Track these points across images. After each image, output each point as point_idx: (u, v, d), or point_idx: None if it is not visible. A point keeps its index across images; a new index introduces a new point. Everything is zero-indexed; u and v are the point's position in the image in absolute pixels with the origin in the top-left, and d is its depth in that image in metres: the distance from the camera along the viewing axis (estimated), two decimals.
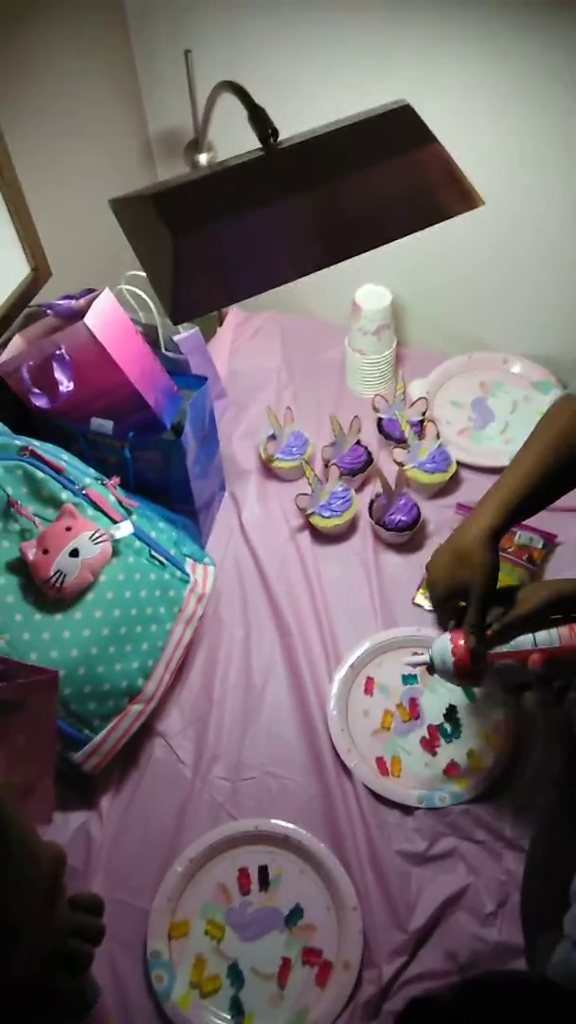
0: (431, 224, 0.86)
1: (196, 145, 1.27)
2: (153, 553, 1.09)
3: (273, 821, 1.05)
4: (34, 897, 0.59)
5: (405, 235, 0.86)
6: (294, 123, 0.91)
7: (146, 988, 0.96)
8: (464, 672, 0.91)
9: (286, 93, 1.10)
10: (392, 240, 0.86)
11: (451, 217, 0.87)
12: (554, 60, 1.11)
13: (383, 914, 0.98)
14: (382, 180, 0.84)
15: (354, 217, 0.84)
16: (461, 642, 0.90)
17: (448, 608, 0.96)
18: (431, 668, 0.94)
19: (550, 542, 1.28)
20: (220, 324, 1.60)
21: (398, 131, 0.86)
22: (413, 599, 1.25)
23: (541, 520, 1.28)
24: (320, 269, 0.84)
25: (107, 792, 1.09)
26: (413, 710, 1.14)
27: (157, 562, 1.09)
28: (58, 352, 1.04)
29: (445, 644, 0.92)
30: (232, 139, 1.09)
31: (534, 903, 0.90)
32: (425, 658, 0.94)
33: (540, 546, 1.27)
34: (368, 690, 1.16)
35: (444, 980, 0.93)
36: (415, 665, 0.97)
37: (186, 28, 1.24)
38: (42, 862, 0.60)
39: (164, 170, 1.46)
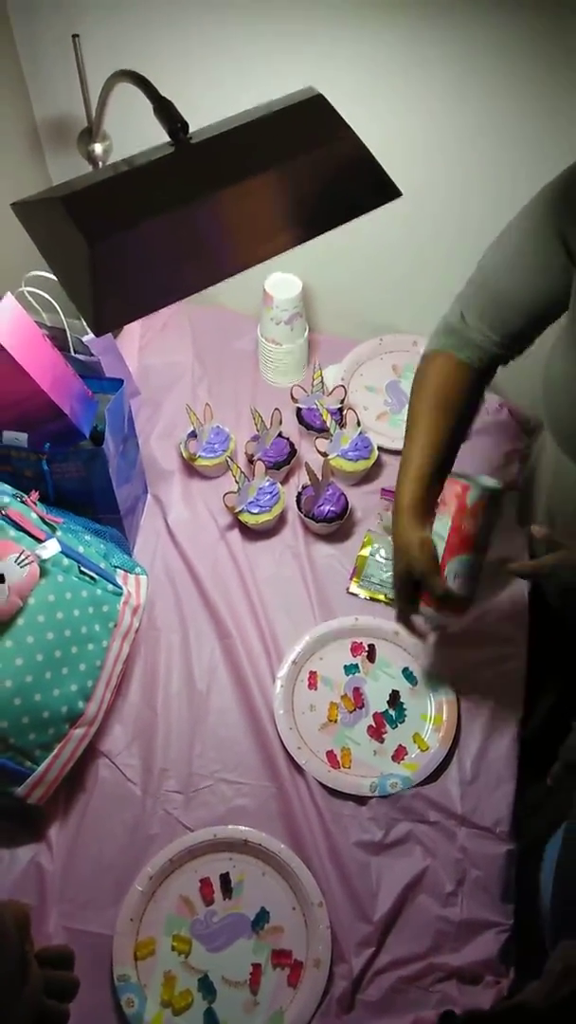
0: (353, 218, 0.85)
1: (90, 134, 1.20)
2: (83, 569, 1.05)
3: (231, 827, 1.04)
4: (6, 974, 0.55)
5: (327, 230, 0.84)
6: (193, 111, 0.87)
7: (117, 1016, 0.94)
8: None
9: (183, 80, 1.05)
10: (315, 236, 0.84)
11: (372, 209, 0.85)
12: (458, 50, 1.11)
13: (347, 907, 0.99)
14: (300, 175, 0.81)
15: (275, 213, 0.81)
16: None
17: (407, 593, 0.99)
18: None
19: None
20: None
21: (311, 122, 0.83)
22: (348, 588, 1.25)
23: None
24: (243, 270, 0.81)
25: (54, 821, 1.05)
26: (358, 700, 1.15)
27: (87, 578, 1.05)
28: None
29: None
30: (128, 127, 1.04)
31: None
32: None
33: None
34: (312, 685, 1.16)
35: (414, 967, 0.95)
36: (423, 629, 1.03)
37: (72, 10, 1.16)
38: (8, 934, 0.57)
39: (55, 160, 1.38)
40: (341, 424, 1.35)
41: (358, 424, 1.35)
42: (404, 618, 1.01)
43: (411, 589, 0.97)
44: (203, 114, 0.86)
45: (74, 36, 1.10)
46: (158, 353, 1.50)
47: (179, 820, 1.05)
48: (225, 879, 1.02)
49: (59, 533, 1.03)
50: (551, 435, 1.03)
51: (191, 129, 0.82)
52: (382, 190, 0.86)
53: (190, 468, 1.36)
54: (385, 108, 1.20)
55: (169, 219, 0.76)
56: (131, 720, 1.13)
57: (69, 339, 1.17)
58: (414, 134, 1.23)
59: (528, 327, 0.97)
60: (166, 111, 0.81)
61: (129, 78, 0.87)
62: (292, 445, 1.36)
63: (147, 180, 0.77)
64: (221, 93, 1.05)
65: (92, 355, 1.19)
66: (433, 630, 1.08)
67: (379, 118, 1.19)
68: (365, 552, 1.28)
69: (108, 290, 0.73)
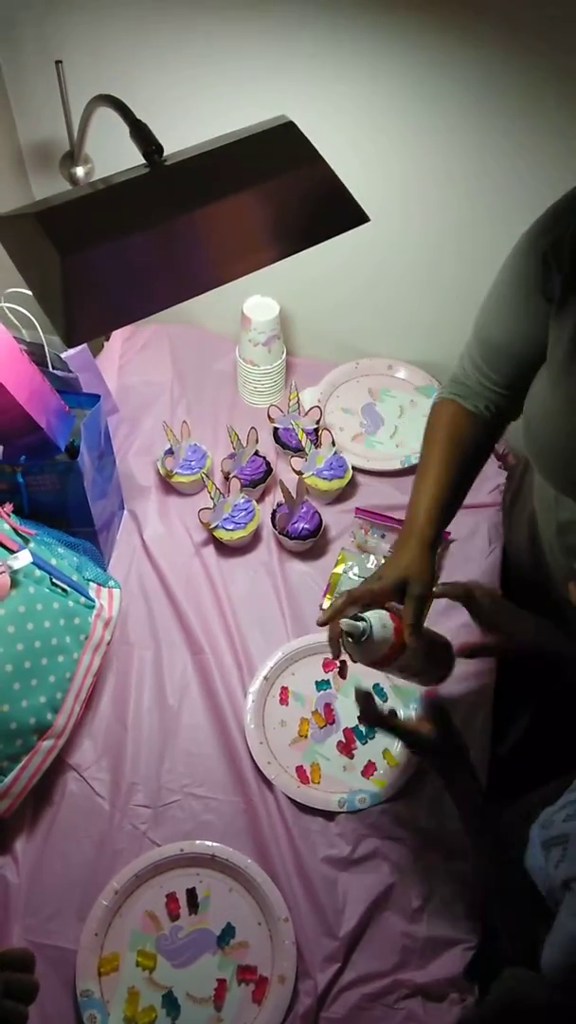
0: (319, 241, 0.87)
1: (72, 158, 1.24)
2: (55, 580, 1.05)
3: (198, 842, 1.04)
4: None
5: (294, 253, 0.87)
6: (172, 137, 0.90)
7: None
8: (392, 650, 0.88)
9: (163, 106, 1.08)
10: (282, 258, 0.86)
11: (339, 234, 0.88)
12: (434, 84, 1.15)
13: (313, 923, 0.99)
14: (269, 198, 0.84)
15: (244, 234, 0.84)
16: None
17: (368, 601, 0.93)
18: (356, 637, 0.87)
19: (444, 539, 1.33)
20: (107, 339, 1.57)
21: (282, 148, 0.86)
22: (321, 605, 1.26)
23: None
24: (212, 288, 0.84)
25: (20, 834, 1.04)
26: (328, 715, 1.15)
27: (59, 590, 1.06)
28: None
29: (385, 619, 0.88)
30: (110, 151, 1.07)
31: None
32: (361, 625, 0.87)
33: (437, 544, 1.31)
34: (283, 700, 1.17)
35: (379, 983, 0.95)
36: (346, 631, 0.88)
37: (55, 38, 1.20)
38: None
39: (38, 183, 1.41)
40: (316, 444, 1.37)
41: (333, 444, 1.37)
42: (339, 624, 0.91)
43: (378, 602, 0.93)
44: (182, 140, 0.89)
45: (57, 62, 1.14)
46: (137, 372, 1.53)
47: (146, 835, 1.05)
48: (191, 894, 1.02)
49: (32, 544, 1.04)
50: (535, 466, 1.04)
51: (168, 153, 0.85)
52: (350, 215, 0.89)
53: (167, 485, 1.37)
54: (365, 140, 1.24)
55: (141, 236, 0.78)
56: (100, 734, 1.13)
57: (47, 355, 1.19)
58: (392, 165, 1.27)
59: (521, 374, 0.97)
60: (141, 134, 0.84)
61: (107, 102, 0.90)
62: (268, 464, 1.37)
63: (121, 199, 0.80)
64: (199, 120, 1.08)
65: (70, 371, 1.21)
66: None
67: (358, 149, 1.24)
68: (339, 570, 1.29)
69: (80, 302, 0.76)
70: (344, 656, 0.92)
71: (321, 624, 0.92)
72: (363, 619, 0.87)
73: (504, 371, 0.98)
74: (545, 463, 0.99)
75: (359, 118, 1.23)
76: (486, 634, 1.01)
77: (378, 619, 0.88)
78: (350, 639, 0.88)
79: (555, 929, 0.74)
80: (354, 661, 0.91)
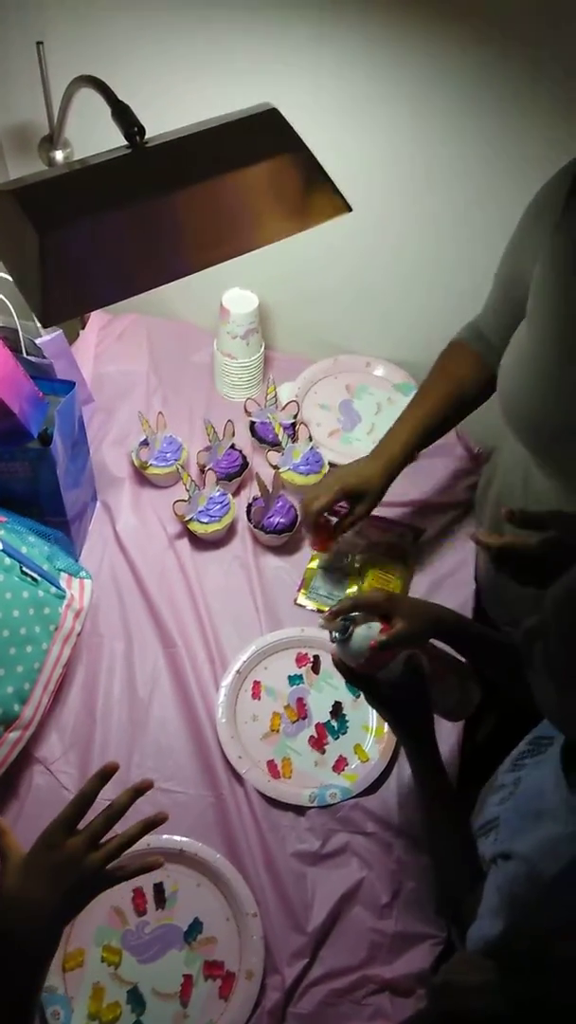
0: (300, 230, 0.87)
1: (51, 141, 1.22)
2: (24, 569, 1.03)
3: (166, 836, 1.02)
4: None
5: (274, 240, 0.86)
6: (155, 123, 0.89)
7: None
8: (372, 661, 0.88)
9: (147, 93, 1.06)
10: (262, 245, 0.86)
11: (319, 223, 0.88)
12: (418, 78, 1.15)
13: (281, 918, 0.98)
14: (251, 184, 0.83)
15: (225, 219, 0.83)
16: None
17: (320, 510, 1.13)
18: (339, 635, 0.88)
19: (418, 536, 1.33)
20: (83, 327, 1.55)
21: (265, 135, 0.85)
22: (295, 600, 1.26)
23: (411, 516, 1.34)
24: (192, 273, 0.83)
25: None
26: (301, 710, 1.15)
27: (29, 579, 1.04)
28: None
29: (374, 629, 0.88)
30: (90, 136, 1.06)
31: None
32: (343, 623, 0.88)
33: (410, 540, 1.32)
34: (256, 694, 1.16)
35: (347, 979, 0.94)
36: (335, 628, 0.89)
37: (37, 19, 1.18)
38: None
39: (15, 167, 1.38)
40: (293, 438, 1.36)
41: (310, 439, 1.36)
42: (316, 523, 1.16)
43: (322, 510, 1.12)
44: (165, 127, 0.88)
45: (38, 43, 1.12)
46: (113, 361, 1.51)
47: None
48: (159, 889, 1.00)
49: (1, 532, 1.02)
50: (505, 420, 1.04)
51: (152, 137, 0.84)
52: (332, 204, 0.88)
53: (141, 476, 1.36)
54: (347, 136, 1.23)
55: (120, 217, 0.77)
56: (69, 727, 1.11)
57: (21, 340, 1.17)
58: (374, 162, 1.26)
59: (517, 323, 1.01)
60: (123, 115, 0.83)
61: (88, 83, 0.88)
62: (244, 457, 1.37)
63: (100, 179, 0.79)
64: (184, 105, 1.07)
65: (45, 358, 1.19)
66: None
67: (340, 145, 1.21)
68: (313, 564, 1.29)
69: (57, 281, 0.74)
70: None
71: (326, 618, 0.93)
72: (351, 620, 0.88)
73: (511, 323, 1.01)
74: (514, 414, 0.99)
75: (340, 113, 1.22)
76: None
77: (366, 628, 0.87)
78: (335, 635, 0.88)
79: (481, 903, 0.75)
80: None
